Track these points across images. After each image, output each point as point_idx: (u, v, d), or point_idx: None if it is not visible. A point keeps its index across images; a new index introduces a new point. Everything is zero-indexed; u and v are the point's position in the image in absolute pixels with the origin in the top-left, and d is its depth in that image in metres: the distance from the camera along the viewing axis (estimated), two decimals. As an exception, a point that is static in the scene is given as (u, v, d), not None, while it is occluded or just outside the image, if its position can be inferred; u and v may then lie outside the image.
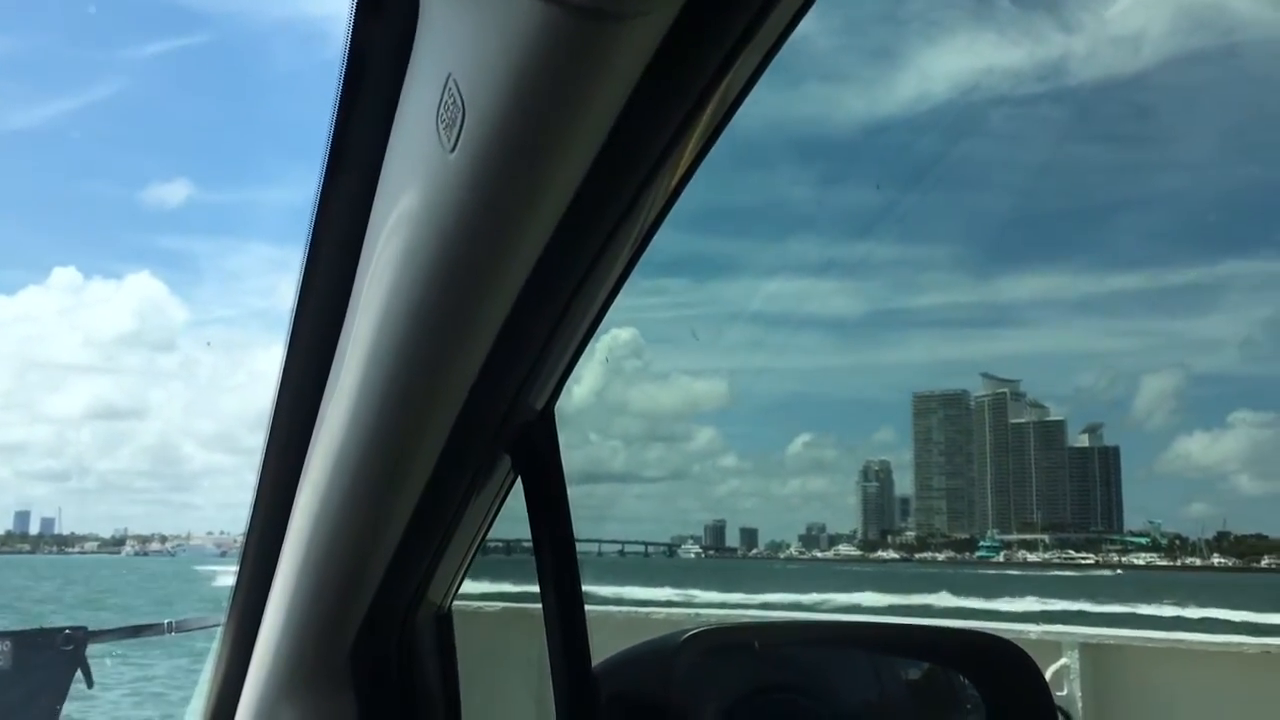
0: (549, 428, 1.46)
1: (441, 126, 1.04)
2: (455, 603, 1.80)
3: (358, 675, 1.69)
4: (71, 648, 5.15)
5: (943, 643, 1.83)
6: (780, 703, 1.71)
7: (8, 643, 5.10)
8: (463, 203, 1.08)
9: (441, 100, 1.03)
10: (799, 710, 1.72)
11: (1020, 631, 7.80)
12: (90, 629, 5.24)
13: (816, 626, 2.68)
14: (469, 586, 1.79)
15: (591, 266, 1.20)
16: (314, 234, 1.35)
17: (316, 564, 1.54)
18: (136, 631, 6.09)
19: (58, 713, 5.01)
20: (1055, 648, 7.46)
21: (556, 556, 1.44)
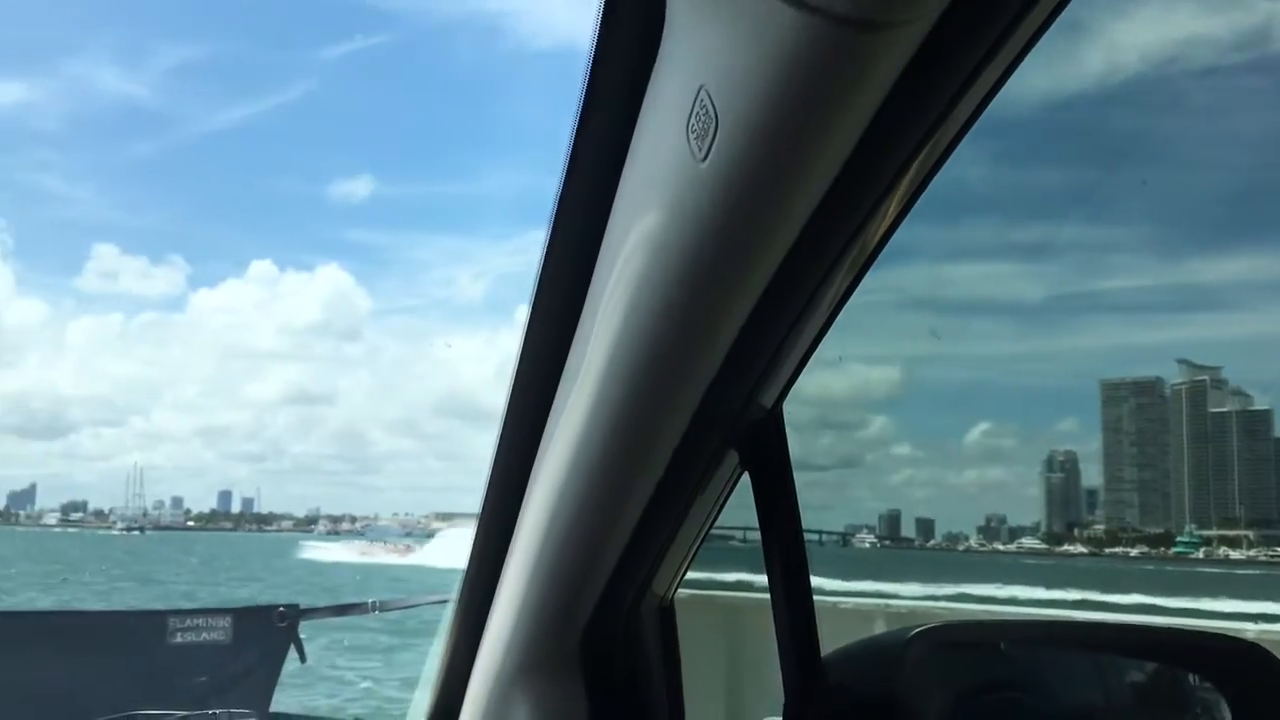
0: (778, 425, 1.49)
1: (693, 136, 1.07)
2: (678, 593, 1.85)
3: (586, 663, 1.76)
4: (286, 624, 5.47)
5: (1179, 644, 1.77)
6: (1006, 702, 1.69)
7: (229, 618, 5.45)
8: (713, 210, 1.11)
9: (693, 111, 1.06)
10: (1025, 710, 1.69)
11: (1236, 630, 7.43)
12: (302, 607, 5.55)
13: (1043, 626, 2.62)
14: (690, 576, 1.84)
15: (830, 269, 1.22)
16: (552, 233, 1.41)
17: (552, 551, 1.61)
18: (343, 610, 6.43)
19: (274, 684, 5.33)
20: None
21: (785, 550, 1.47)
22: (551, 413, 1.55)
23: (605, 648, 1.77)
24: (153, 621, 5.40)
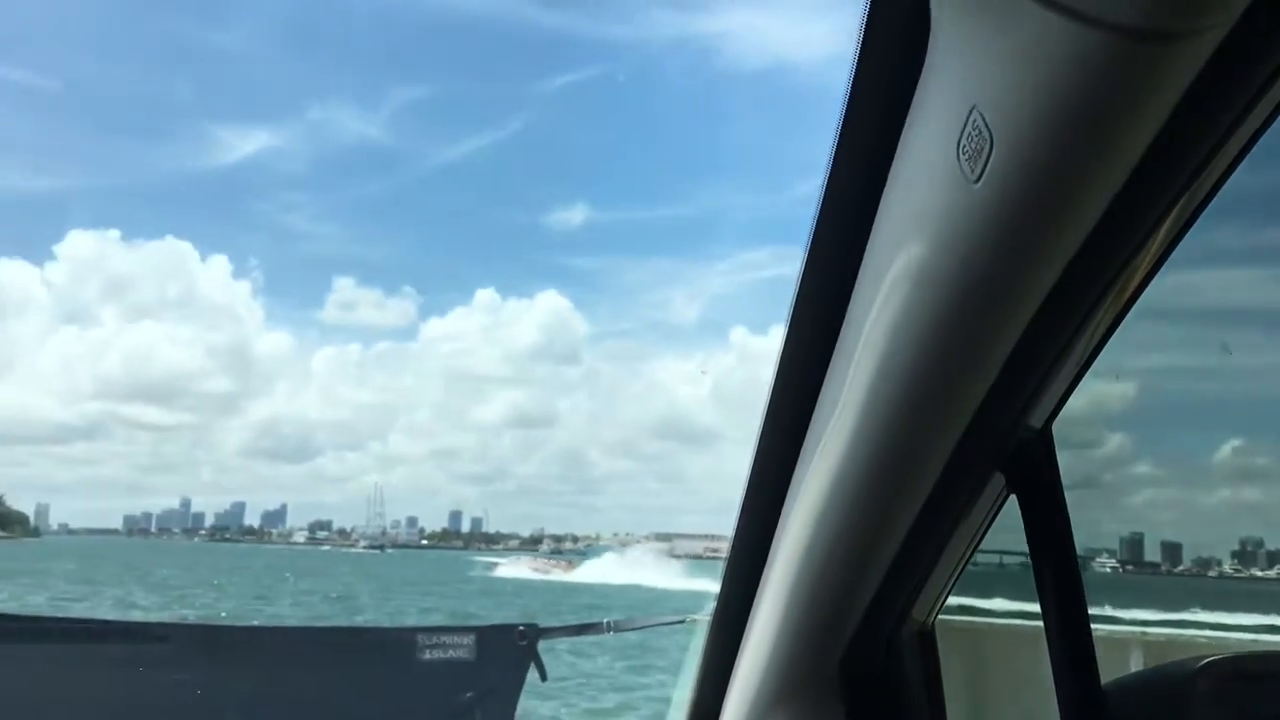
0: (1049, 446, 1.45)
1: (964, 158, 1.07)
2: (939, 618, 1.82)
3: (846, 687, 1.75)
4: (526, 643, 5.63)
5: None
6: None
7: (472, 636, 5.65)
8: (986, 230, 1.10)
9: (964, 131, 1.06)
10: None
11: None
12: (541, 626, 5.71)
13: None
14: (950, 601, 1.80)
15: (1108, 285, 1.19)
16: (811, 253, 1.42)
17: (811, 573, 1.61)
18: (580, 630, 6.56)
19: (515, 703, 5.49)
20: None
21: (1059, 576, 1.43)
22: (809, 434, 1.55)
23: (865, 672, 1.75)
24: (403, 638, 5.67)
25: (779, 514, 1.67)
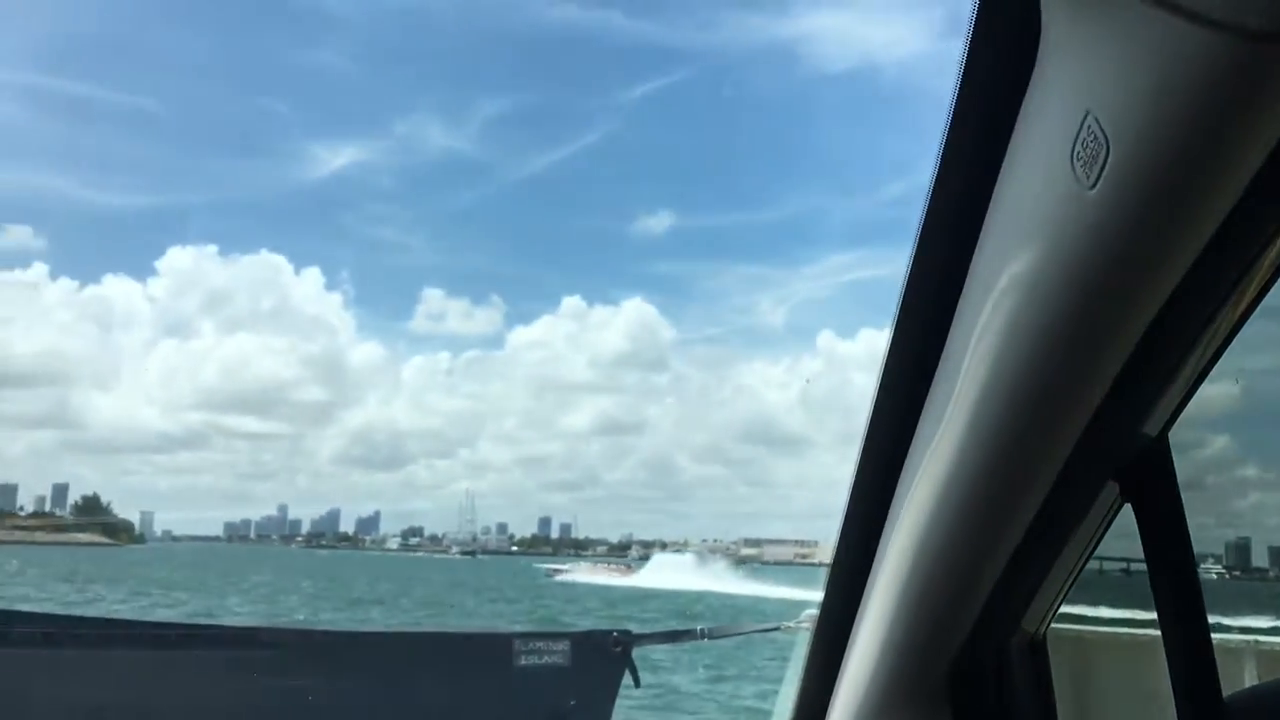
0: (1166, 455, 1.42)
1: (1079, 164, 1.05)
2: (1050, 628, 1.79)
3: (955, 697, 1.73)
4: (619, 649, 5.65)
5: None
6: None
7: (567, 642, 5.69)
8: (1102, 236, 1.08)
9: (1079, 137, 1.04)
10: None
11: None
12: (634, 632, 5.71)
13: None
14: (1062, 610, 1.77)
15: (1227, 293, 1.16)
16: (917, 258, 1.41)
17: (920, 581, 1.59)
18: (674, 636, 6.56)
19: (610, 709, 5.52)
20: None
21: (1178, 586, 1.40)
22: (915, 441, 1.54)
23: (975, 682, 1.73)
24: (499, 643, 5.74)
25: (884, 521, 1.67)
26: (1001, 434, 1.35)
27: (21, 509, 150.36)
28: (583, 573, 71.33)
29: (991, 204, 1.27)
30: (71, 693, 4.63)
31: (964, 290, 1.36)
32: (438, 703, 5.12)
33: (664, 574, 67.53)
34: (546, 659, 5.50)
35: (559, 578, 68.27)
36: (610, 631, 5.88)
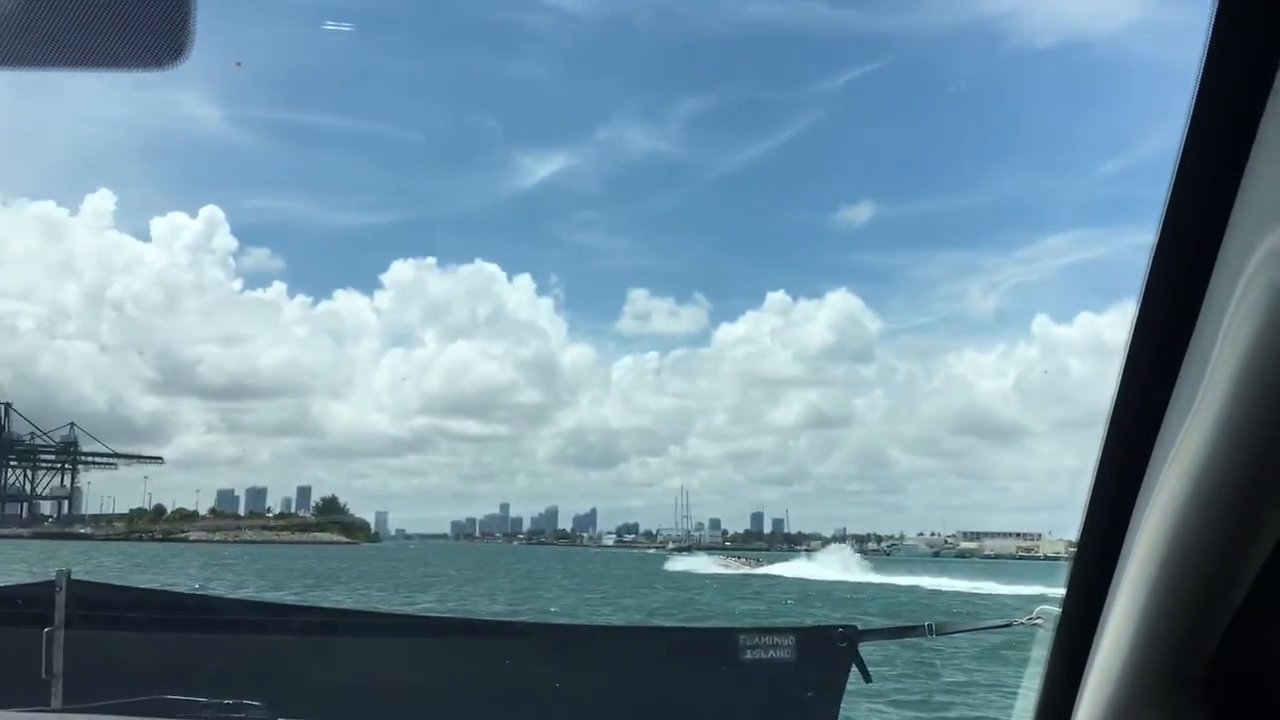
0: None
1: None
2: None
3: (1215, 696, 1.67)
4: (846, 645, 5.64)
5: None
6: None
7: (793, 637, 5.72)
8: None
9: None
10: None
11: None
12: (860, 628, 5.68)
13: None
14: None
15: None
16: (1162, 240, 1.38)
17: (1172, 576, 1.53)
18: (900, 632, 6.50)
19: (838, 704, 5.52)
20: None
21: None
22: (1162, 431, 1.49)
23: (1237, 682, 1.68)
24: (726, 638, 5.84)
25: (1131, 512, 1.62)
26: (1257, 425, 1.31)
27: (269, 510, 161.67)
28: (711, 565, 77.87)
29: (1242, 187, 1.23)
30: (344, 677, 5.02)
31: (1214, 273, 1.32)
32: (669, 694, 5.25)
33: (792, 566, 74.24)
34: (772, 653, 5.55)
35: (673, 566, 74.59)
36: (836, 626, 5.88)
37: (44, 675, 5.27)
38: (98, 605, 5.66)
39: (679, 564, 78.46)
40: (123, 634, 5.66)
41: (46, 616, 5.35)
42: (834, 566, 72.52)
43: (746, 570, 72.29)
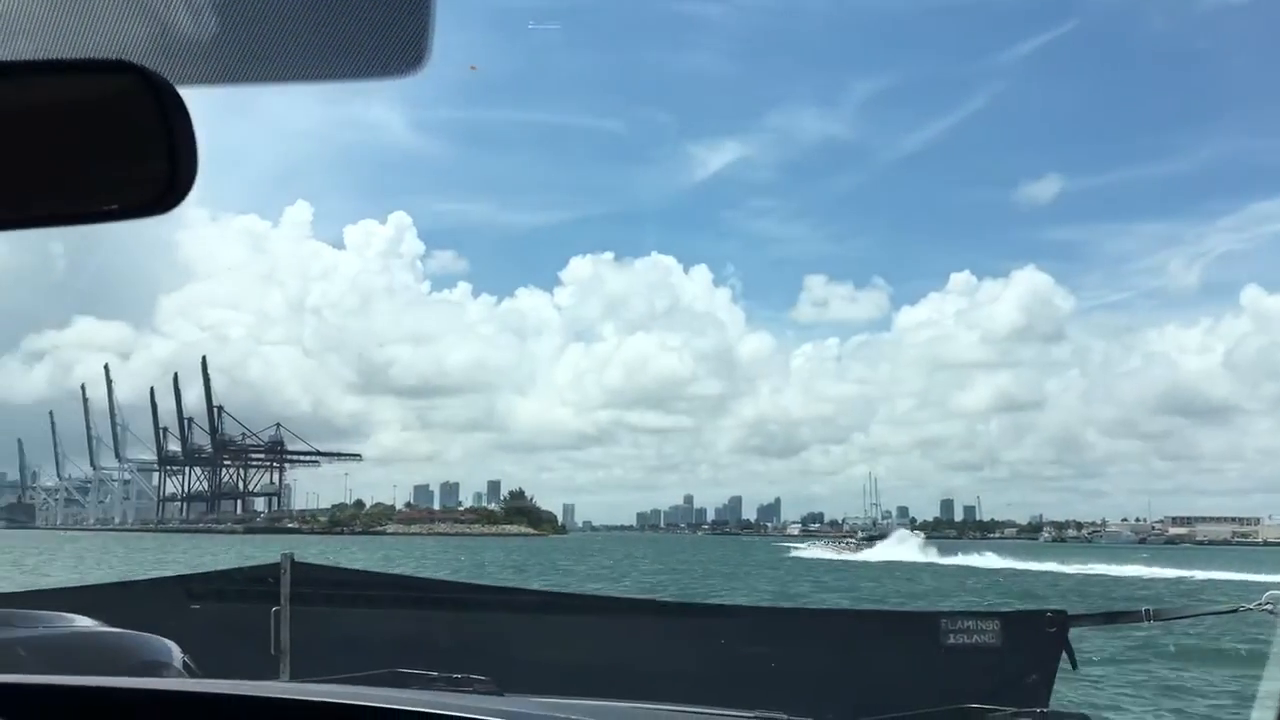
0: None
1: None
2: None
3: None
4: (1055, 630, 5.45)
5: None
6: None
7: (997, 622, 5.57)
8: None
9: None
10: None
11: None
12: (1070, 613, 5.48)
13: None
14: None
15: None
16: None
17: None
18: (1112, 618, 6.24)
19: (1049, 689, 5.33)
20: None
21: None
22: None
23: None
24: (926, 621, 5.73)
25: None
26: None
27: (460, 504, 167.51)
28: (818, 550, 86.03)
29: None
30: (567, 655, 5.19)
31: None
32: (875, 675, 5.21)
33: (891, 550, 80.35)
34: (976, 638, 5.43)
35: (795, 554, 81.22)
36: (1044, 611, 5.71)
37: (272, 651, 5.63)
38: (319, 584, 6.02)
39: (800, 551, 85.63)
40: (343, 611, 6.00)
41: (273, 595, 5.72)
42: (907, 549, 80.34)
43: (848, 556, 78.55)
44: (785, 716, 2.75)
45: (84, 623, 4.68)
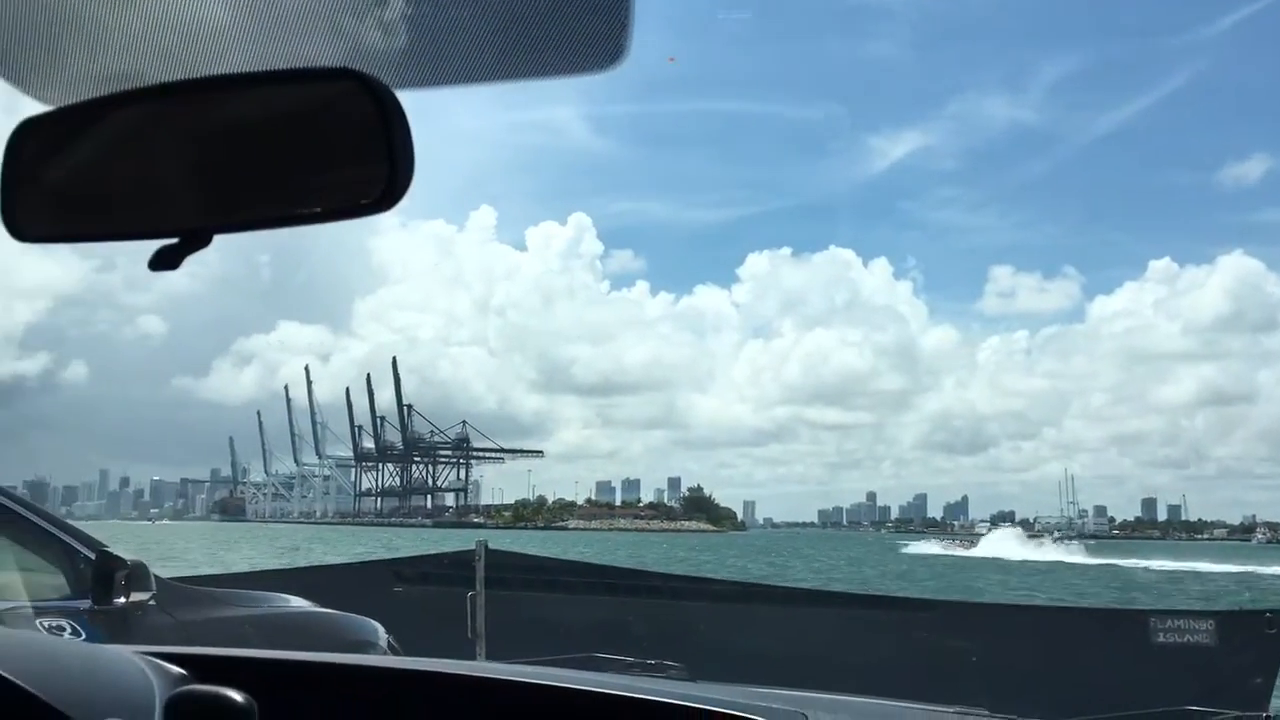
0: None
1: None
2: None
3: None
4: (1275, 631, 5.16)
5: None
6: None
7: (1211, 621, 5.31)
8: None
9: None
10: None
11: None
12: (1293, 614, 5.17)
13: None
14: None
15: None
16: None
17: None
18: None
19: (1269, 692, 5.05)
20: None
21: None
22: None
23: None
24: (1136, 619, 5.52)
25: None
26: None
27: (638, 500, 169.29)
28: (927, 546, 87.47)
29: None
30: (759, 644, 5.23)
31: None
32: (1078, 673, 5.04)
33: (1000, 545, 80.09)
34: (1188, 637, 5.20)
35: (907, 549, 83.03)
36: (1262, 611, 5.41)
37: (469, 634, 5.87)
38: (512, 570, 6.24)
39: (913, 548, 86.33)
40: (536, 596, 6.21)
41: (468, 580, 5.96)
42: (1009, 546, 79.77)
43: (961, 552, 79.48)
44: (988, 713, 2.68)
45: (298, 603, 5.00)
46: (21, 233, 1.08)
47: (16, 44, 1.05)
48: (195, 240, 1.01)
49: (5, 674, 1.11)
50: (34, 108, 1.08)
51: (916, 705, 2.46)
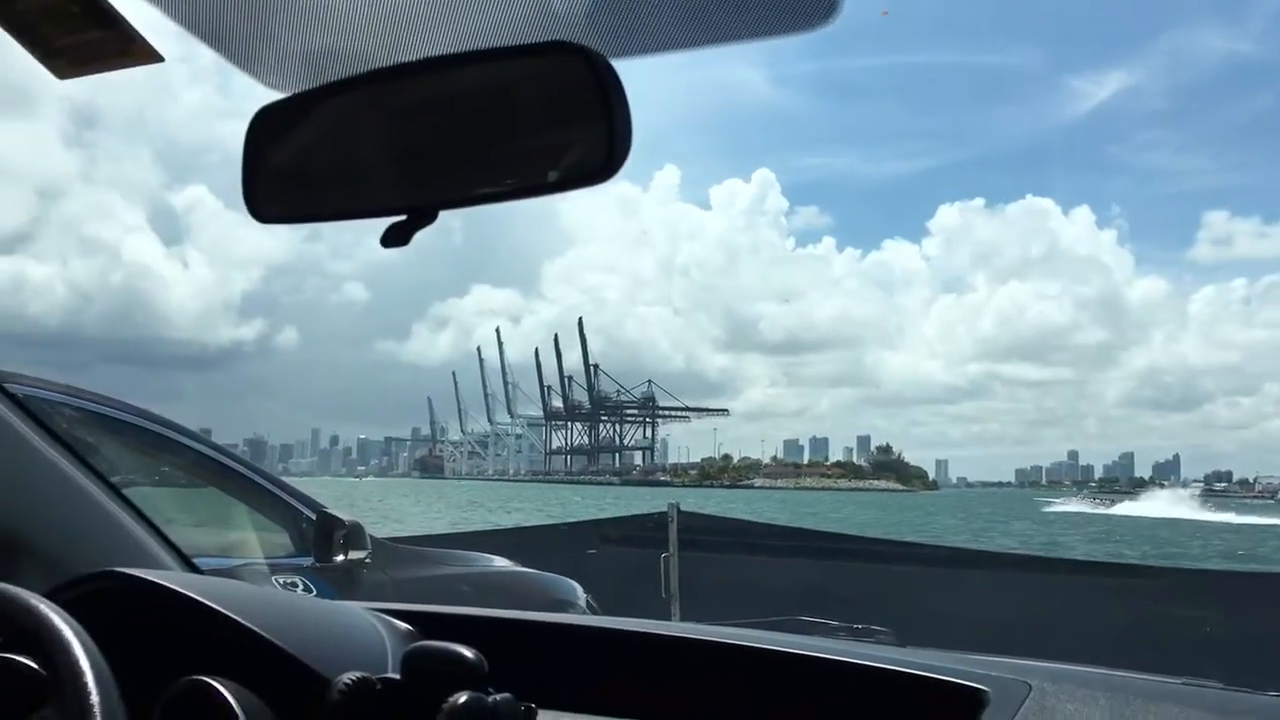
0: None
1: None
2: None
3: None
4: None
5: None
6: None
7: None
8: None
9: None
10: None
11: None
12: None
13: None
14: None
15: None
16: None
17: None
18: None
19: None
20: None
21: None
22: None
23: None
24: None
25: None
26: None
27: (826, 459, 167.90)
28: (1071, 504, 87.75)
29: None
30: (969, 610, 5.10)
31: None
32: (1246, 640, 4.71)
33: (1142, 506, 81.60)
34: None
35: (1051, 509, 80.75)
36: None
37: (663, 594, 5.95)
38: (705, 532, 6.28)
39: (1056, 507, 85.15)
40: (729, 557, 6.24)
41: (661, 542, 6.04)
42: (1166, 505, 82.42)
43: (1103, 510, 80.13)
44: (1219, 685, 2.52)
45: (500, 563, 5.18)
46: (261, 214, 1.12)
47: (229, 25, 1.08)
48: (422, 217, 1.03)
49: (252, 626, 1.19)
50: (247, 85, 1.11)
51: (1143, 675, 2.34)
